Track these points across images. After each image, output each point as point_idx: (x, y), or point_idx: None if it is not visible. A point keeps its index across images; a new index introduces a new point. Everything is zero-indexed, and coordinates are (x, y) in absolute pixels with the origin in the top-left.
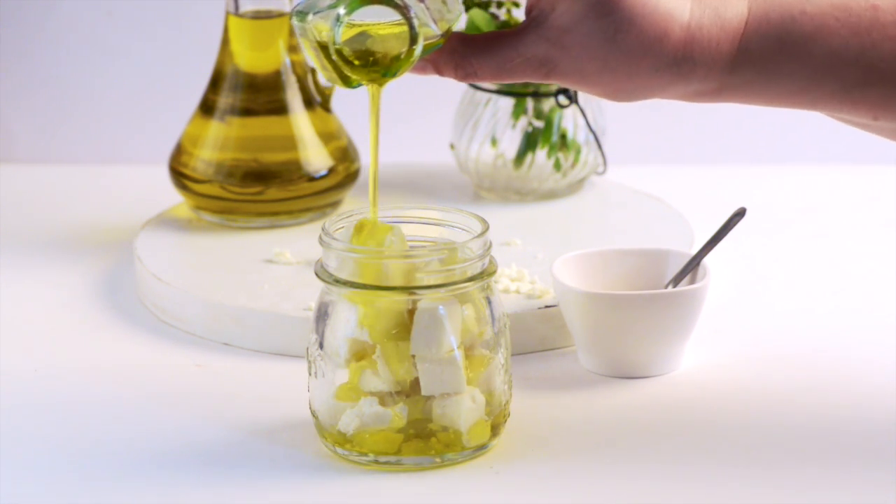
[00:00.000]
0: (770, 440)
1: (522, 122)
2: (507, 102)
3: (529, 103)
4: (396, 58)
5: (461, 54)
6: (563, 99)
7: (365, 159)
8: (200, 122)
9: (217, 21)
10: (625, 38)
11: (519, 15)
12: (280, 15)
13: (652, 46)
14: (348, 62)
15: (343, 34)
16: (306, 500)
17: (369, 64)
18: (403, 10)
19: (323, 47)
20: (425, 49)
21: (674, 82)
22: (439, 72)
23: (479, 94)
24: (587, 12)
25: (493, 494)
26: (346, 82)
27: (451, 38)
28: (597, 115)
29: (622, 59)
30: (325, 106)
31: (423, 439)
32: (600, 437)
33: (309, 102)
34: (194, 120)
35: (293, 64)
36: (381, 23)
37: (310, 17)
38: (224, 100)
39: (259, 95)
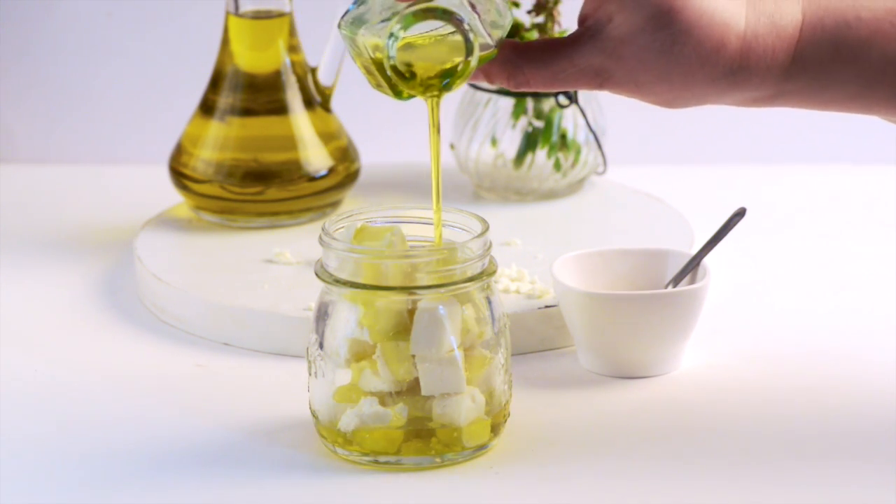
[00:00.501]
0: (770, 440)
1: (522, 122)
2: (507, 102)
3: (529, 103)
4: (452, 71)
5: (514, 64)
6: (563, 99)
7: (392, 164)
8: (200, 122)
9: (217, 21)
10: (682, 50)
11: (519, 15)
12: (280, 15)
13: (709, 57)
14: (403, 77)
15: (398, 50)
16: (306, 500)
17: (425, 79)
18: (458, 24)
19: (376, 62)
20: (480, 60)
21: (729, 91)
22: (490, 80)
23: (479, 94)
24: (645, 24)
25: (493, 494)
26: (398, 94)
27: (502, 46)
28: (597, 115)
29: (678, 70)
30: (325, 106)
31: (423, 439)
32: (600, 437)
33: (309, 102)
34: (194, 120)
35: (293, 64)
36: (434, 34)
37: (361, 30)
38: (224, 100)
39: (259, 95)
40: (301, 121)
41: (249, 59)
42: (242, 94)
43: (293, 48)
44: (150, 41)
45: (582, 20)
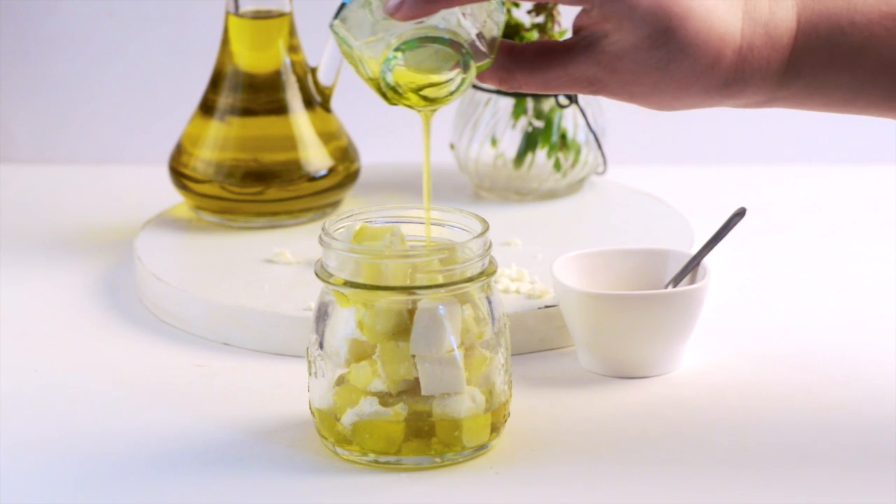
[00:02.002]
0: (770, 440)
1: (522, 122)
2: (507, 102)
3: (529, 103)
4: (447, 85)
5: (506, 69)
6: (563, 99)
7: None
8: (200, 122)
9: (217, 21)
10: (678, 67)
11: (519, 15)
12: (280, 15)
13: (704, 72)
14: (397, 93)
15: (394, 73)
16: (306, 500)
17: (420, 95)
18: (458, 49)
19: (370, 78)
20: (476, 71)
21: (724, 100)
22: (481, 79)
23: (479, 94)
24: (641, 42)
25: (493, 494)
26: (389, 101)
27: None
28: (597, 115)
29: (673, 84)
30: (325, 106)
31: (423, 439)
32: (600, 437)
33: (309, 102)
34: (194, 120)
35: (293, 64)
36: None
37: (355, 40)
38: (224, 100)
39: (259, 95)
40: (301, 121)
41: (249, 59)
42: (242, 94)
43: (293, 48)
44: (150, 41)
45: (577, 29)
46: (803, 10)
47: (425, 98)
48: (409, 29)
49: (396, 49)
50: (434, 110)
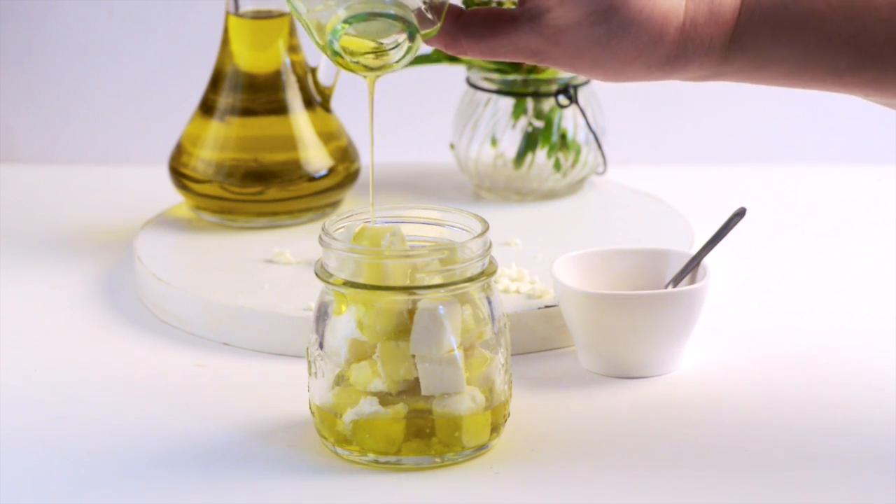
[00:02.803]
0: (770, 440)
1: (522, 122)
2: (507, 102)
3: (529, 103)
4: (393, 53)
5: (452, 35)
6: (563, 99)
7: (365, 157)
8: (200, 122)
9: (217, 21)
10: (619, 43)
11: None
12: (280, 15)
13: (645, 49)
14: (342, 56)
15: (341, 41)
16: (306, 500)
17: (365, 63)
18: (403, 20)
19: (317, 42)
20: (422, 39)
21: (666, 75)
22: (428, 44)
23: (480, 94)
24: (583, 19)
25: (493, 494)
26: (336, 65)
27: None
28: (597, 115)
29: (615, 59)
30: (325, 106)
31: (423, 439)
32: (600, 437)
33: (309, 102)
34: (194, 120)
35: (293, 64)
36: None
37: (304, 11)
38: (224, 100)
39: (259, 95)
40: (301, 121)
41: (249, 59)
42: (242, 94)
43: (293, 48)
44: (150, 41)
45: (523, 1)
46: None
47: (371, 67)
48: (362, 8)
49: (345, 21)
50: (379, 76)
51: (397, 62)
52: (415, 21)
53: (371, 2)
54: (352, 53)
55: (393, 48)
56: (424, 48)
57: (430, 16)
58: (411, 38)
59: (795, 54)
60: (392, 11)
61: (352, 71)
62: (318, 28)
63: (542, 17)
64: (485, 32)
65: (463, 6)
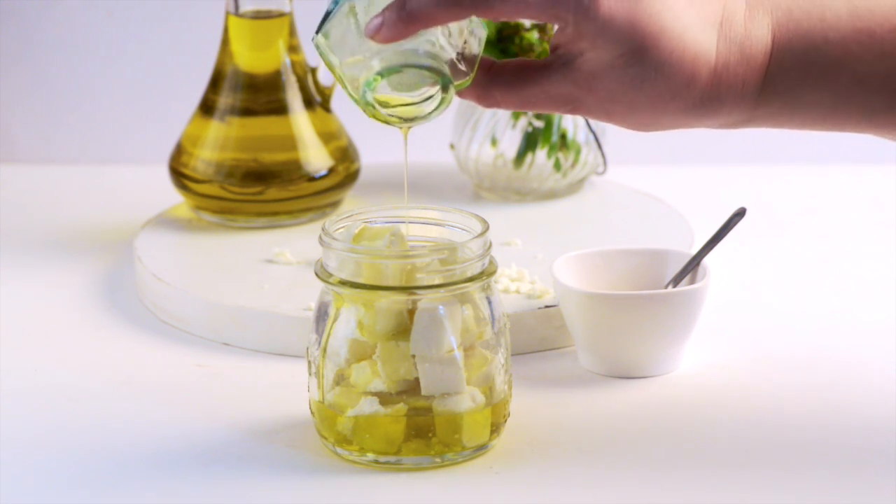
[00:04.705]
0: (770, 440)
1: (522, 122)
2: None
3: None
4: (426, 105)
5: (483, 85)
6: None
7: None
8: (200, 122)
9: (217, 21)
10: (652, 86)
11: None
12: (280, 15)
13: (679, 91)
14: (377, 111)
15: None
16: (306, 500)
17: (399, 115)
18: (436, 72)
19: (350, 94)
20: (455, 90)
21: (700, 120)
22: (460, 96)
23: None
24: (615, 61)
25: (493, 494)
26: (368, 115)
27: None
28: None
29: (648, 103)
30: (325, 106)
31: (423, 439)
32: (600, 437)
33: (309, 102)
34: (194, 120)
35: (293, 64)
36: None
37: (335, 57)
38: (224, 100)
39: (259, 95)
40: (301, 121)
41: (249, 59)
42: (242, 94)
43: (293, 48)
44: (150, 41)
45: (554, 48)
46: (778, 28)
47: (404, 117)
48: (390, 52)
49: (378, 73)
50: (411, 127)
51: (430, 113)
52: (448, 72)
53: (404, 54)
54: (385, 105)
55: (426, 100)
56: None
57: (462, 67)
58: (444, 89)
59: (828, 96)
60: (426, 63)
61: (385, 122)
62: (351, 81)
63: (574, 63)
64: (517, 82)
65: (494, 58)
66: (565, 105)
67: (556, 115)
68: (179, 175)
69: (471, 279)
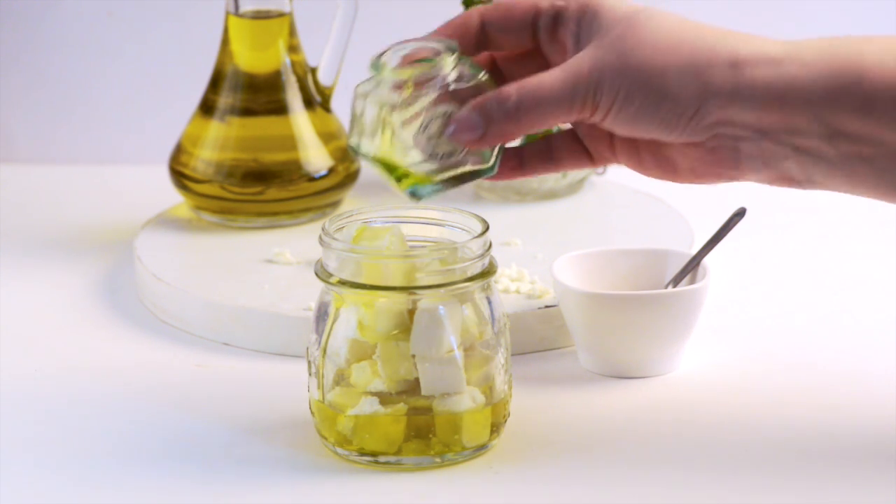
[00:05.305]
0: (770, 440)
1: None
2: None
3: None
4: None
5: (518, 158)
6: None
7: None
8: (200, 122)
9: (217, 21)
10: (666, 114)
11: None
12: (280, 15)
13: (691, 114)
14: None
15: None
16: (306, 500)
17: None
18: (481, 174)
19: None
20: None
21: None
22: (495, 179)
23: None
24: (622, 103)
25: (493, 494)
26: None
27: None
28: None
29: (667, 133)
30: (325, 106)
31: (423, 439)
32: (600, 437)
33: (309, 102)
34: (194, 120)
35: (293, 64)
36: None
37: (368, 147)
38: (224, 100)
39: (259, 95)
40: (301, 121)
41: (249, 59)
42: (242, 94)
43: (293, 48)
44: (150, 41)
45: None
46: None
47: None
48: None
49: (437, 183)
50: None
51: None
52: (490, 164)
53: (454, 159)
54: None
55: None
56: None
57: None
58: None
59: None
60: (480, 168)
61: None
62: (385, 164)
63: (583, 125)
64: (548, 150)
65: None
66: (599, 164)
67: None
68: (179, 175)
69: (471, 279)
